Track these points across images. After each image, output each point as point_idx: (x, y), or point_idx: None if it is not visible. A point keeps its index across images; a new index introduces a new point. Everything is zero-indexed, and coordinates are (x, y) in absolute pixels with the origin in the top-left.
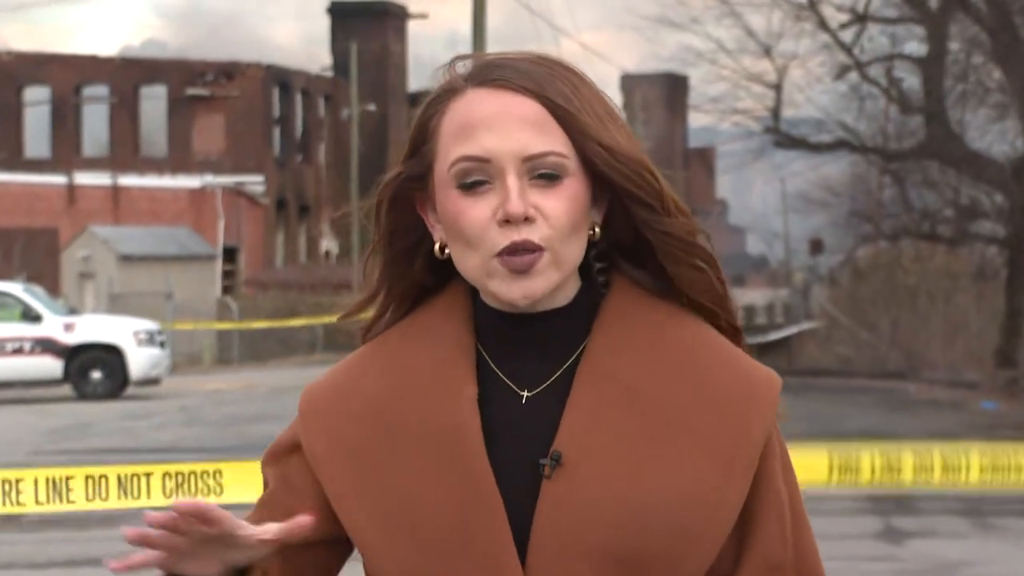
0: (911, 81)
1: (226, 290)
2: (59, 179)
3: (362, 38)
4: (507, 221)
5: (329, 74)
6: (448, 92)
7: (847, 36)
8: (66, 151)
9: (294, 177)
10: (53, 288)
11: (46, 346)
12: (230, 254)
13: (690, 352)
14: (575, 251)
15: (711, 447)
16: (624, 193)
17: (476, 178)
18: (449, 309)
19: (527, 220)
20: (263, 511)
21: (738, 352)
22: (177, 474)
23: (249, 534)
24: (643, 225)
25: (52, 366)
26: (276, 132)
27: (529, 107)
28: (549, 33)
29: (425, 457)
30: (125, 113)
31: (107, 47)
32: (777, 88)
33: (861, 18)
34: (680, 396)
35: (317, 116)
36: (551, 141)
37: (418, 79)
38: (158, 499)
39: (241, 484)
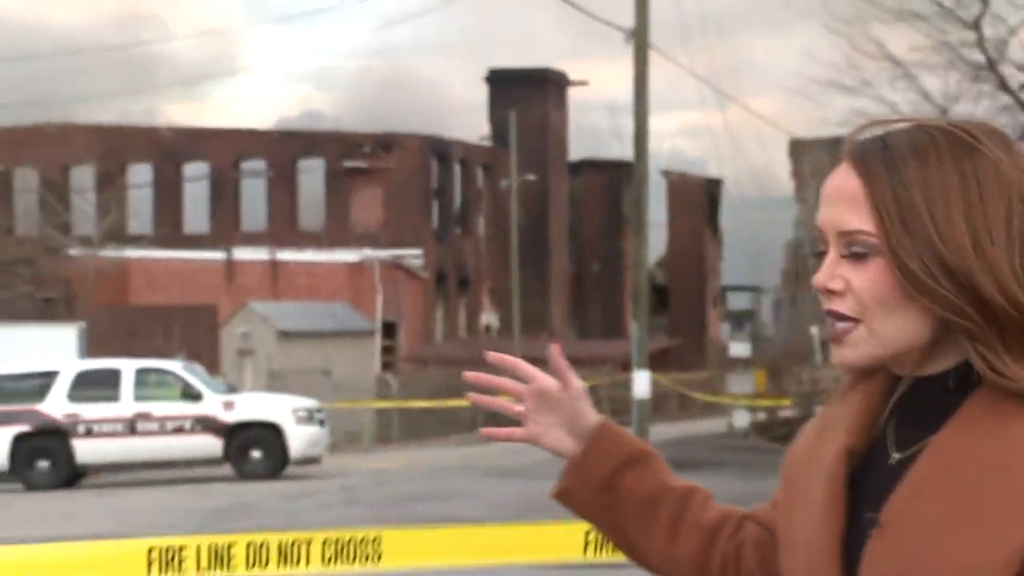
0: None
1: (385, 366)
2: (218, 255)
3: (521, 106)
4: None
5: (488, 143)
6: (836, 161)
7: None
8: (225, 226)
9: (453, 250)
10: (213, 365)
11: (206, 424)
12: (389, 329)
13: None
14: (896, 329)
15: (996, 543)
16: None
17: (820, 247)
18: None
19: (833, 292)
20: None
21: None
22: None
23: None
24: (953, 326)
25: (212, 445)
26: (434, 204)
27: (851, 183)
28: (714, 98)
29: (811, 497)
30: (283, 187)
31: (265, 120)
32: None
33: None
34: (994, 488)
35: (476, 187)
36: (862, 220)
37: (579, 147)
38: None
39: (400, 552)
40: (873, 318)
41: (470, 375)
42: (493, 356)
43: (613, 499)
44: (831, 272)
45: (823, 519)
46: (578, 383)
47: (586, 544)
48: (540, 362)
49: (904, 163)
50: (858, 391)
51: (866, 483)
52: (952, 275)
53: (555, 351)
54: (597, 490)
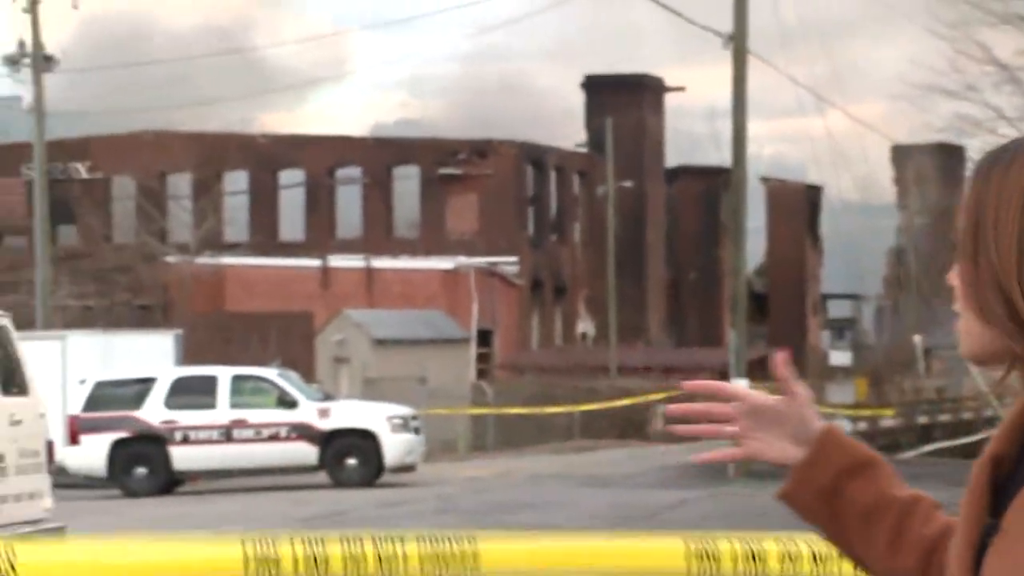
0: None
1: (480, 374)
2: (313, 262)
3: (618, 112)
4: None
5: (584, 150)
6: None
7: None
8: (320, 234)
9: (549, 257)
10: (308, 373)
11: (301, 432)
12: (484, 337)
13: None
14: (976, 328)
15: None
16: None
17: None
18: None
19: (954, 288)
20: None
21: None
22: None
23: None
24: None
25: (308, 452)
26: (530, 211)
27: (967, 185)
28: (813, 104)
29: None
30: (378, 194)
31: (360, 127)
32: None
33: None
34: None
35: (572, 193)
36: (960, 219)
37: (676, 153)
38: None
39: (499, 561)
40: (962, 313)
41: (675, 408)
42: (689, 384)
43: (836, 505)
44: (953, 271)
45: (964, 524)
46: (804, 390)
47: (689, 559)
48: (635, 370)
49: (1000, 168)
50: (1021, 396)
51: (1009, 489)
52: (999, 287)
53: (780, 360)
54: (819, 495)
